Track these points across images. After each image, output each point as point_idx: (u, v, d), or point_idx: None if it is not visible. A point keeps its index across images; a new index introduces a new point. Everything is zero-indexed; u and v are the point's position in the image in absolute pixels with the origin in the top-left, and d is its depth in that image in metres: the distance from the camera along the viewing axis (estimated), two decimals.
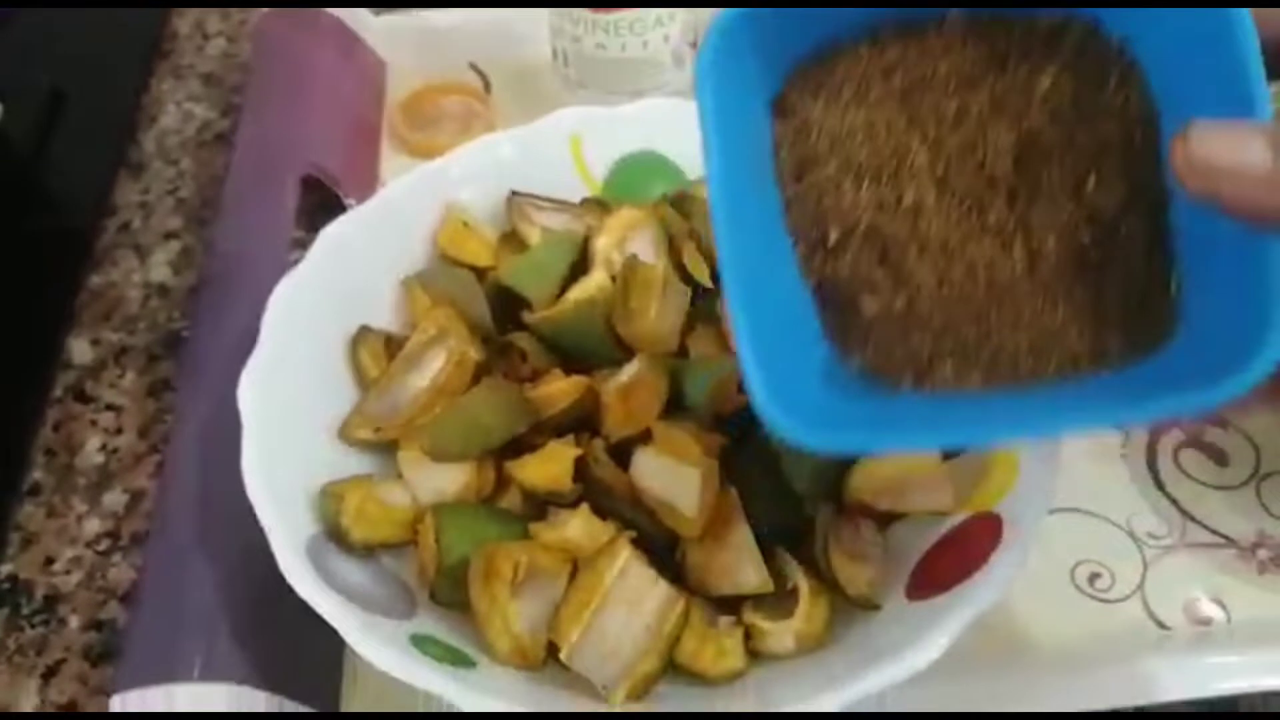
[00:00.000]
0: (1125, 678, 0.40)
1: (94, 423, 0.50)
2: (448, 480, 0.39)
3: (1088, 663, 0.41)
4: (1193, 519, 0.46)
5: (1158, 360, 0.27)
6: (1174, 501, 0.47)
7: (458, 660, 0.35)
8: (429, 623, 0.36)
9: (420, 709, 0.39)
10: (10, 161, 0.57)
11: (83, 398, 0.51)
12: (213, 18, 0.68)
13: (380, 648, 0.33)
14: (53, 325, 0.53)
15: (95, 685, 0.42)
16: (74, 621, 0.44)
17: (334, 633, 0.40)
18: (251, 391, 0.38)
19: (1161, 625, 0.43)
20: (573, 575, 0.36)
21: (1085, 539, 0.45)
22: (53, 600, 0.45)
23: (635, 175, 0.49)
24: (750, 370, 0.27)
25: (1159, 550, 0.45)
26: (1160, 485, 0.47)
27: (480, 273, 0.45)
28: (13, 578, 0.45)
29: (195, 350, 0.47)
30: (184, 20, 0.68)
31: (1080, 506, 0.46)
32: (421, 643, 0.35)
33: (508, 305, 0.43)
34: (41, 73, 0.61)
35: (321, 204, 0.54)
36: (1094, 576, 0.44)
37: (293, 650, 0.39)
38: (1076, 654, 0.42)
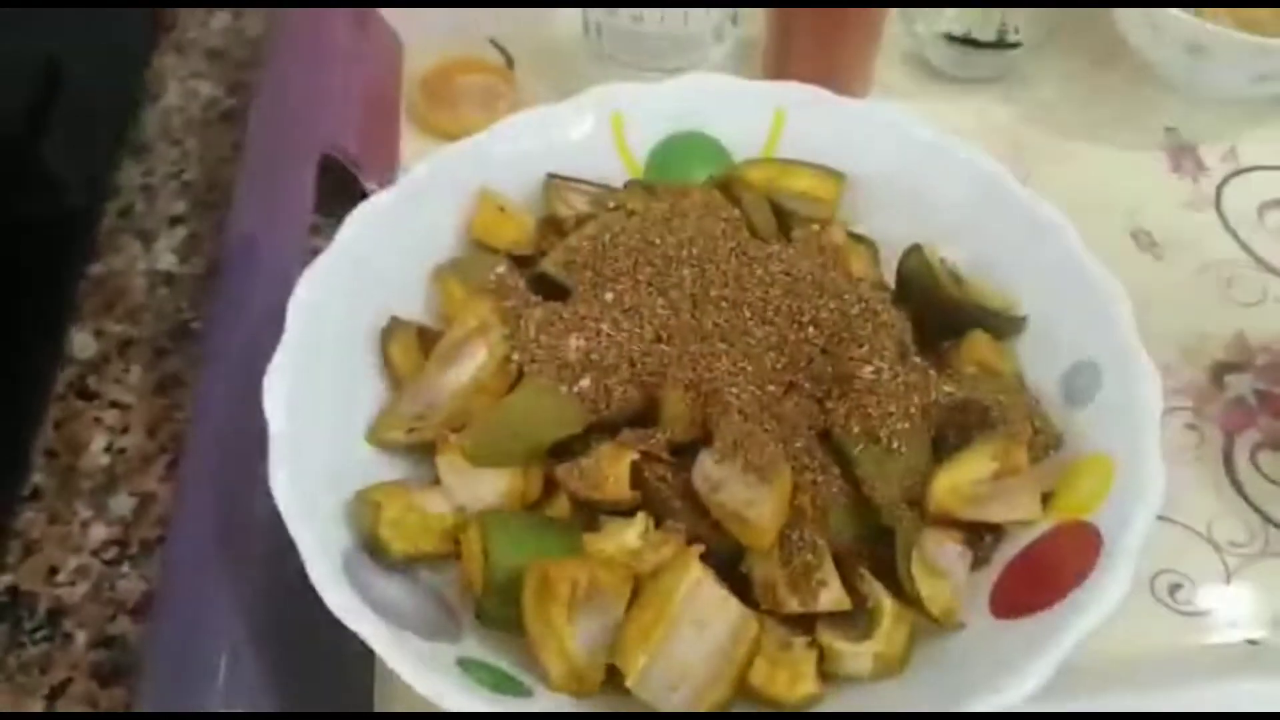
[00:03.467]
0: (1211, 697, 0.38)
1: (98, 421, 0.47)
2: (490, 487, 0.36)
3: (1170, 681, 0.39)
4: (1276, 525, 0.43)
5: None
6: (1255, 507, 0.44)
7: (509, 687, 0.32)
8: (476, 645, 0.33)
9: None
10: (3, 140, 0.53)
11: (86, 394, 0.47)
12: None
13: (430, 676, 0.29)
14: (52, 317, 0.50)
15: (105, 707, 0.39)
16: (81, 637, 0.41)
17: (365, 655, 0.38)
18: (277, 392, 0.35)
19: (1250, 640, 0.40)
20: (633, 595, 0.33)
21: (1163, 546, 0.42)
22: (57, 614, 0.41)
23: (679, 156, 0.46)
24: None
25: (1241, 559, 0.43)
26: (1239, 489, 0.45)
27: (518, 260, 0.42)
28: (13, 590, 0.42)
29: (211, 342, 0.44)
30: None
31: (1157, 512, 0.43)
32: (470, 667, 0.32)
33: (552, 294, 0.40)
34: (37, 44, 0.57)
35: (338, 188, 0.51)
36: (1174, 588, 0.42)
37: (323, 674, 0.36)
38: (1158, 671, 0.39)
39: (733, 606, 0.33)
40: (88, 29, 0.59)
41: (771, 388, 0.36)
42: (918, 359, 0.39)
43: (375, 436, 0.38)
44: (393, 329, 0.40)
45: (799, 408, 0.36)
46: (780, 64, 0.54)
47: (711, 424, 0.35)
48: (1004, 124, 0.57)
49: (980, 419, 0.37)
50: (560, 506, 0.36)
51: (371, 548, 0.34)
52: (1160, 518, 0.42)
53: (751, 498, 0.34)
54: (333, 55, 0.54)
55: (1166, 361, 0.48)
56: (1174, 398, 0.47)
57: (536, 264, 0.41)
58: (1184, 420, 0.46)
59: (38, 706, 0.39)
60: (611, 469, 0.35)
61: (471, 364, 0.38)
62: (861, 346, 0.36)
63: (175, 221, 0.54)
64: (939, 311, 0.41)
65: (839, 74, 0.54)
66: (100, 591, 0.42)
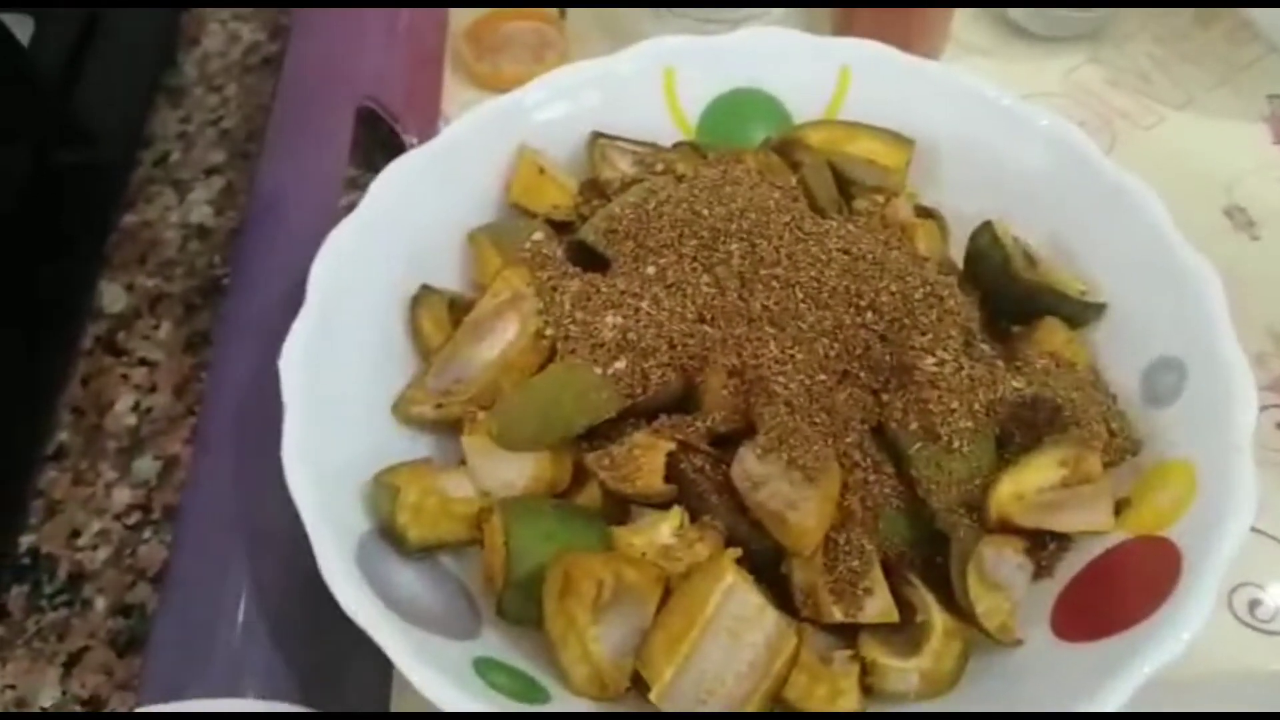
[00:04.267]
0: None
1: (125, 378, 0.45)
2: (518, 471, 0.34)
3: (1245, 705, 0.36)
4: None
5: None
6: None
7: (527, 691, 0.30)
8: (495, 643, 0.31)
9: None
10: (39, 87, 0.51)
11: (114, 350, 0.46)
12: None
13: (440, 680, 0.28)
14: (82, 268, 0.48)
15: (121, 679, 0.38)
16: (100, 604, 0.40)
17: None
18: (295, 364, 0.33)
19: None
20: (663, 597, 0.31)
21: (1244, 557, 0.39)
22: (77, 579, 0.40)
23: (734, 115, 0.43)
24: None
25: None
26: None
27: (558, 226, 0.39)
28: (34, 551, 0.41)
29: (233, 304, 0.42)
30: None
31: None
32: (486, 669, 0.30)
33: (591, 264, 0.37)
34: None
35: (378, 140, 0.48)
36: (1254, 603, 0.38)
37: (337, 663, 0.34)
38: (1232, 695, 0.36)
39: (770, 616, 0.30)
40: None
41: (823, 377, 0.33)
42: (985, 347, 0.36)
43: (401, 411, 0.36)
44: (422, 297, 0.38)
45: (852, 400, 0.34)
46: (849, 18, 0.50)
47: (755, 414, 0.33)
48: (1091, 88, 0.53)
49: (1050, 418, 0.33)
50: (590, 495, 0.34)
51: (389, 534, 0.32)
52: None
53: (795, 498, 0.31)
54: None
55: (1260, 352, 0.44)
56: (1266, 394, 0.43)
57: (577, 230, 0.39)
58: (1275, 419, 0.43)
59: (55, 674, 0.38)
60: (646, 459, 0.32)
61: (503, 338, 0.36)
62: (924, 335, 0.33)
63: (211, 172, 0.52)
64: (1010, 295, 0.37)
65: (913, 29, 0.50)
66: (121, 557, 0.41)
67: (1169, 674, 0.34)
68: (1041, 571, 0.33)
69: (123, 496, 0.42)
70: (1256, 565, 0.39)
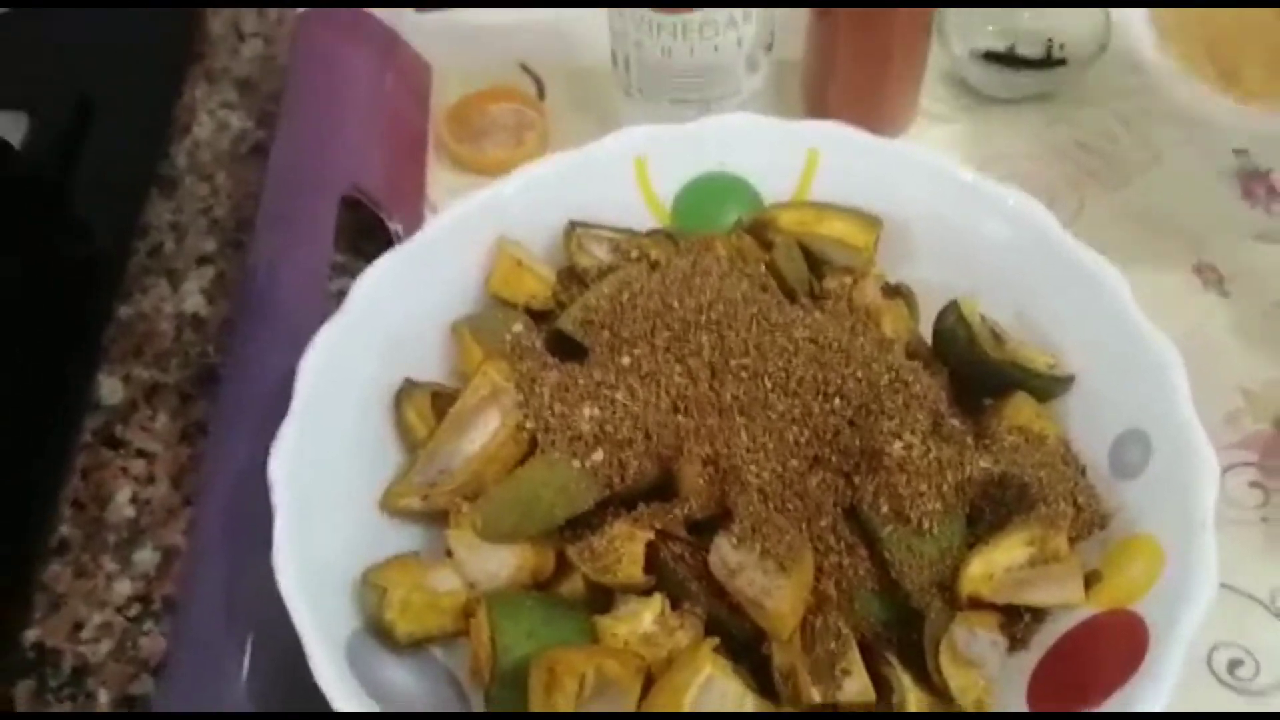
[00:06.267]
0: None
1: (125, 470, 0.47)
2: (501, 562, 0.35)
3: None
4: None
5: None
6: None
7: None
8: None
9: None
10: (36, 181, 0.53)
11: (113, 443, 0.47)
12: (248, 17, 0.64)
13: None
14: (81, 361, 0.49)
15: None
16: (103, 697, 0.41)
17: None
18: (284, 467, 0.34)
19: None
20: (645, 687, 0.32)
21: (1223, 617, 0.40)
22: (81, 672, 0.41)
23: (706, 199, 0.44)
24: None
25: None
26: None
27: (537, 315, 0.41)
28: (39, 646, 0.42)
29: (226, 396, 0.43)
30: (218, 20, 0.63)
31: None
32: None
33: (570, 350, 0.39)
34: (67, 79, 0.57)
35: (364, 226, 0.50)
36: (1235, 664, 0.39)
37: None
38: None
39: (749, 703, 0.31)
40: (119, 62, 0.59)
41: (794, 463, 0.34)
42: (955, 422, 0.37)
43: (389, 504, 0.37)
44: (407, 391, 0.39)
45: (824, 484, 0.35)
46: (820, 91, 0.52)
47: (730, 502, 0.34)
48: (1060, 148, 0.54)
49: (1019, 496, 0.34)
50: (574, 584, 0.35)
51: (379, 631, 0.33)
52: (1221, 585, 0.40)
53: (770, 586, 0.32)
54: (356, 86, 0.53)
55: (1232, 410, 0.45)
56: (1237, 452, 0.44)
57: (555, 319, 0.40)
58: (1248, 477, 0.43)
59: None
60: (626, 549, 0.33)
61: (484, 431, 0.37)
62: (891, 419, 0.34)
63: (203, 261, 0.53)
64: (978, 373, 0.38)
65: (884, 100, 0.51)
66: (123, 649, 0.42)
67: None
68: (1017, 644, 0.34)
69: (124, 588, 0.43)
70: (1235, 625, 0.40)
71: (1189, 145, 0.54)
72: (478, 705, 0.33)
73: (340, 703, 0.30)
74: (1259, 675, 0.39)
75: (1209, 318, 0.48)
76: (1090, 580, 0.34)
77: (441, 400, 0.39)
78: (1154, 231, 0.50)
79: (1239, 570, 0.40)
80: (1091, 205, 0.52)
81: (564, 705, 0.31)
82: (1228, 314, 0.48)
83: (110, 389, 0.49)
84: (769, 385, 0.35)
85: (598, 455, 0.35)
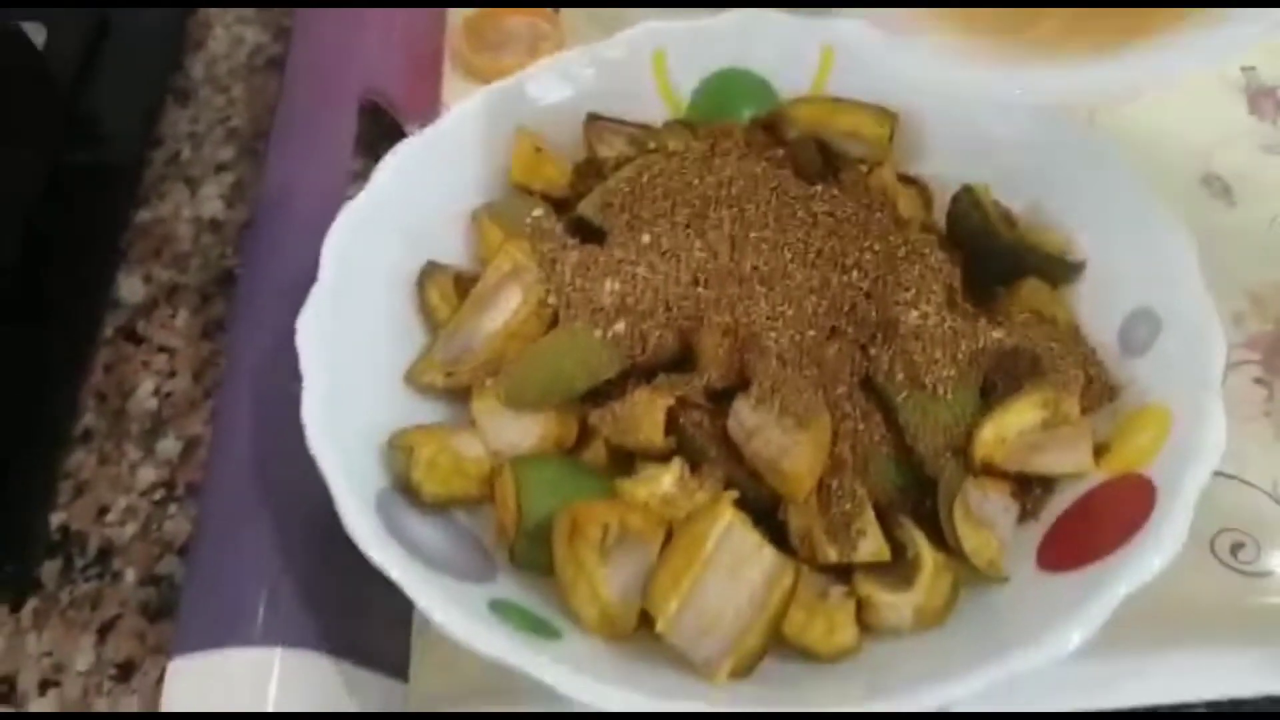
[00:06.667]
0: (1273, 658, 0.36)
1: (146, 365, 0.47)
2: (525, 431, 0.36)
3: (1228, 641, 0.37)
4: None
5: None
6: None
7: (541, 630, 0.32)
8: (509, 587, 0.33)
9: (489, 674, 0.36)
10: (54, 91, 0.53)
11: (134, 338, 0.48)
12: None
13: (458, 616, 0.29)
14: (100, 263, 0.50)
15: (153, 643, 0.40)
16: (129, 575, 0.42)
17: (403, 594, 0.38)
18: (311, 333, 0.35)
19: None
20: (667, 540, 0.33)
21: (1226, 505, 0.40)
22: (107, 553, 0.42)
23: (722, 95, 0.45)
24: None
25: None
26: None
27: (556, 203, 0.41)
28: (64, 529, 0.43)
29: (247, 289, 0.44)
30: None
31: (1220, 469, 0.41)
32: (502, 609, 0.31)
33: (589, 238, 0.39)
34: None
35: (381, 132, 0.50)
36: (1237, 547, 0.40)
37: (358, 612, 0.36)
38: (1215, 632, 0.38)
39: (767, 553, 0.32)
40: None
41: (812, 333, 0.35)
42: (968, 306, 0.38)
43: (412, 380, 0.38)
44: (429, 273, 0.40)
45: (841, 354, 0.35)
46: None
47: (749, 369, 0.34)
48: None
49: (1031, 367, 0.35)
50: (595, 452, 0.36)
51: (406, 490, 0.34)
52: (1224, 474, 0.41)
53: (788, 445, 0.33)
54: None
55: (1237, 311, 0.46)
56: (1242, 351, 0.44)
57: (574, 207, 0.41)
58: (1252, 374, 0.44)
59: (89, 640, 0.40)
60: (646, 414, 0.34)
61: (506, 308, 0.37)
62: (907, 290, 0.35)
63: (221, 168, 0.54)
64: (991, 256, 0.39)
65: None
66: (149, 532, 0.43)
67: (1157, 611, 0.36)
68: (1027, 515, 0.35)
69: (147, 475, 0.44)
70: (1238, 512, 0.41)
71: None
72: (500, 565, 0.34)
73: (374, 552, 0.31)
74: (1260, 558, 0.40)
75: (1216, 225, 0.48)
76: (1099, 451, 0.35)
77: (463, 282, 0.39)
78: (1162, 144, 0.51)
79: (1244, 461, 0.41)
80: (1102, 117, 0.52)
81: (587, 553, 0.32)
82: (1234, 222, 0.49)
83: (130, 288, 0.50)
84: (788, 256, 0.36)
85: (619, 326, 0.36)
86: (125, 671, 0.39)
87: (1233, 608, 0.38)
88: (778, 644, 0.32)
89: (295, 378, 0.35)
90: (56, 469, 0.44)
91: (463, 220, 0.42)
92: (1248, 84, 0.53)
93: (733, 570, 0.31)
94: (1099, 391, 0.36)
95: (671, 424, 0.35)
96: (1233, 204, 0.50)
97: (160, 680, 0.39)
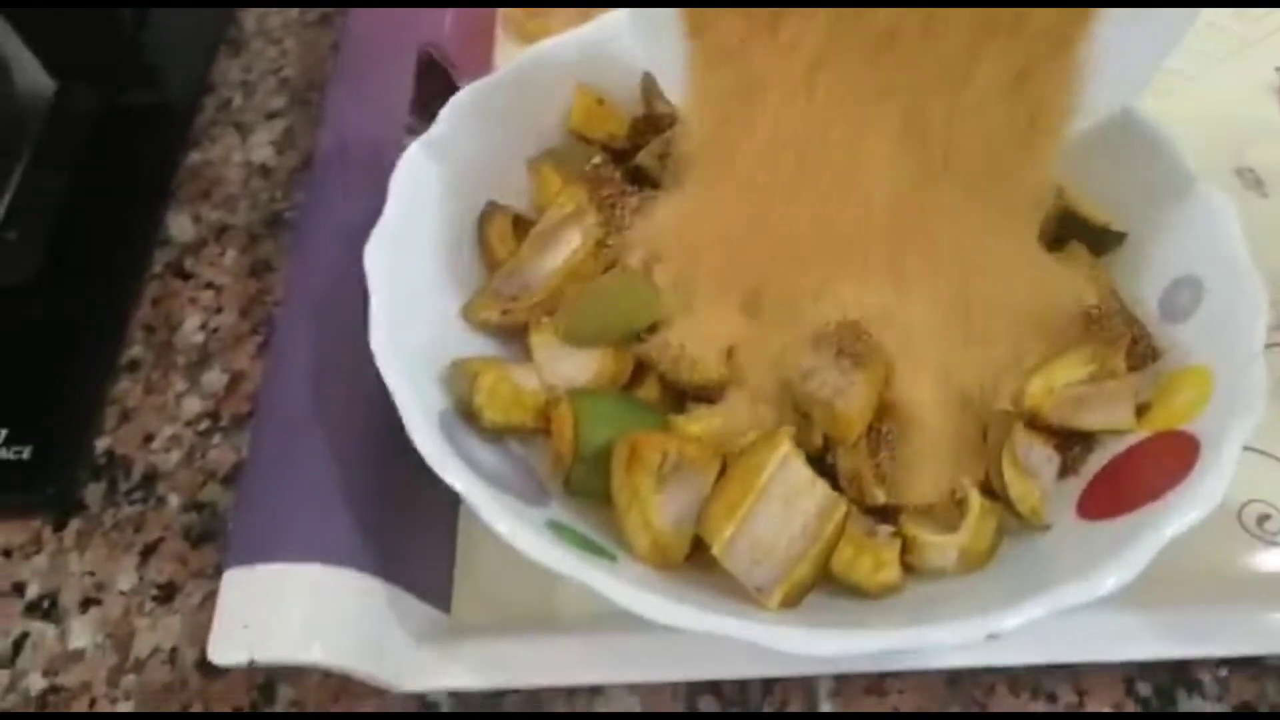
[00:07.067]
0: None
1: (194, 301, 0.48)
2: (581, 366, 0.36)
3: (1253, 605, 0.38)
4: None
5: None
6: None
7: (596, 552, 0.32)
8: (563, 512, 0.34)
9: (529, 608, 0.36)
10: (112, 33, 0.54)
11: (182, 274, 0.49)
12: None
13: (521, 530, 0.30)
14: (151, 201, 0.51)
15: (195, 567, 0.40)
16: (173, 500, 0.42)
17: (446, 524, 0.39)
18: (377, 262, 0.36)
19: None
20: (721, 472, 0.33)
21: (1254, 478, 0.41)
22: (151, 478, 0.43)
23: None
24: None
25: None
26: None
27: (615, 154, 0.42)
28: (109, 453, 0.44)
29: (305, 227, 0.44)
30: None
31: (1248, 444, 0.42)
32: (558, 529, 0.32)
33: (645, 188, 0.40)
34: None
35: (435, 91, 0.51)
36: (1263, 518, 0.41)
37: (405, 540, 0.37)
38: (1241, 595, 0.38)
39: (820, 487, 0.33)
40: None
41: None
42: None
43: (471, 314, 0.39)
44: (490, 213, 0.40)
45: None
46: None
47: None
48: None
49: (1078, 323, 0.36)
50: (650, 390, 0.37)
51: (466, 413, 0.35)
52: (1252, 449, 0.42)
53: (843, 385, 0.33)
54: None
55: (1271, 299, 0.47)
56: (1273, 333, 0.45)
57: (632, 158, 0.41)
58: None
59: (132, 562, 0.41)
60: (707, 347, 0.35)
61: (566, 248, 0.38)
62: None
63: (272, 116, 0.54)
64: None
65: None
66: (193, 459, 0.43)
67: (1187, 575, 0.37)
68: (1068, 469, 0.36)
69: (193, 406, 0.45)
70: (1265, 485, 0.42)
71: (1233, 60, 0.56)
72: (554, 493, 0.35)
73: (441, 468, 0.31)
74: None
75: (1249, 215, 0.49)
76: (1140, 411, 0.36)
77: (522, 225, 0.40)
78: (1197, 136, 0.51)
79: (1273, 437, 0.42)
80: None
81: (644, 480, 0.32)
82: (1267, 212, 0.50)
83: (179, 227, 0.50)
84: None
85: (675, 268, 0.36)
86: (167, 593, 0.40)
87: (1258, 574, 0.39)
88: (825, 579, 0.33)
89: (353, 310, 0.36)
90: (103, 396, 0.45)
91: (520, 168, 0.42)
92: (1278, 84, 0.55)
93: (787, 501, 0.32)
94: (1142, 351, 0.37)
95: (727, 359, 0.35)
96: (1265, 195, 0.51)
97: (202, 603, 0.40)
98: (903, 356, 0.35)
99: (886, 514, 0.35)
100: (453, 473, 0.31)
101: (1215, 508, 0.31)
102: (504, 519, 0.30)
